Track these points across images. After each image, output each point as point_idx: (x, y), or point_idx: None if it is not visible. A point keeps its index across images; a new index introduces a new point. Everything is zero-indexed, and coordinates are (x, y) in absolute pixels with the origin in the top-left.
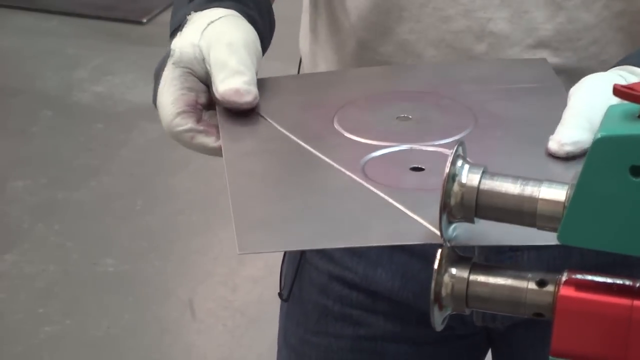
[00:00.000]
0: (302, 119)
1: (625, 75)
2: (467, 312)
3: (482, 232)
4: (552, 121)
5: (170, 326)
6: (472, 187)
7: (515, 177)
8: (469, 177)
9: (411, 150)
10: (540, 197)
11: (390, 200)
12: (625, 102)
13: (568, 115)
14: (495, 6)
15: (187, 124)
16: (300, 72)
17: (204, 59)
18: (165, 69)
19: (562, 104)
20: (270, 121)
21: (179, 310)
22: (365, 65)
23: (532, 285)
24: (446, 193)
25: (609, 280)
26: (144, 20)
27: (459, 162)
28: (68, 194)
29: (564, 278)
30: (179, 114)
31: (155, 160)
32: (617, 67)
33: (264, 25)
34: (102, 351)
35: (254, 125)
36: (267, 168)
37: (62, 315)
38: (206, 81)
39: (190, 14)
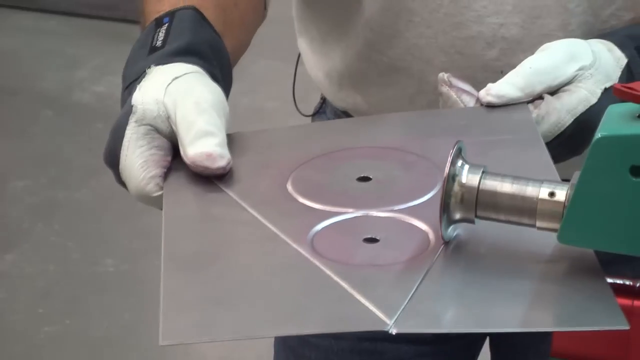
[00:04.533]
0: (253, 182)
1: (599, 49)
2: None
3: (435, 316)
4: None
5: None
6: (472, 187)
7: (516, 177)
8: (469, 177)
9: (367, 217)
10: (540, 197)
11: (336, 279)
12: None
13: (514, 70)
14: (508, 11)
15: (161, 189)
16: (298, 70)
17: (168, 117)
18: (128, 127)
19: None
20: (218, 184)
21: None
22: (372, 66)
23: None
24: (446, 193)
25: (610, 280)
26: None
27: (459, 162)
28: (68, 194)
29: None
30: (152, 178)
31: None
32: (599, 40)
33: (225, 87)
34: (102, 351)
35: (200, 187)
36: (208, 238)
37: (62, 315)
38: (171, 139)
39: (150, 67)
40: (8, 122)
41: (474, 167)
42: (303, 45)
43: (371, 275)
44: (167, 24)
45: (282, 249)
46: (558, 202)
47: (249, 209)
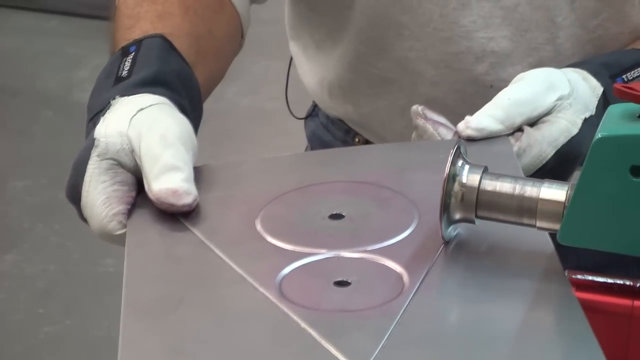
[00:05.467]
0: (220, 219)
1: (575, 78)
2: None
3: None
4: (505, 235)
5: None
6: (472, 187)
7: (516, 178)
8: (470, 177)
9: (338, 258)
10: (540, 197)
11: (304, 326)
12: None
13: (492, 102)
14: (497, 25)
15: (124, 227)
16: (291, 73)
17: (132, 151)
18: (90, 161)
19: None
20: (184, 221)
21: None
22: (362, 77)
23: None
24: (446, 193)
25: (610, 280)
26: None
27: (459, 162)
28: None
29: None
30: (115, 215)
31: None
32: (573, 69)
33: (194, 118)
34: (102, 351)
35: (165, 225)
36: (171, 282)
37: (63, 316)
38: (136, 173)
39: (115, 98)
40: (8, 122)
41: (474, 167)
42: (295, 49)
43: (341, 322)
44: (133, 53)
45: (248, 293)
46: (558, 202)
47: (215, 250)
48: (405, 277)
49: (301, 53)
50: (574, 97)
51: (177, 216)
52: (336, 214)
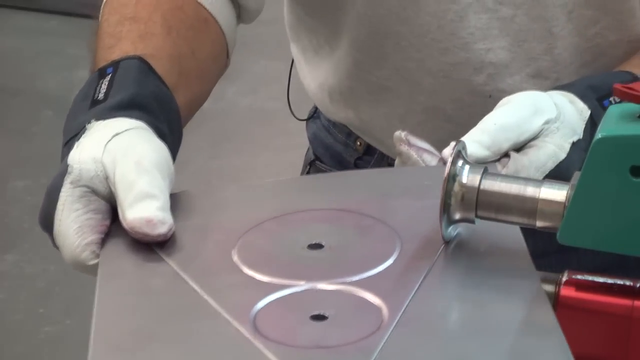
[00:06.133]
0: (196, 249)
1: (561, 102)
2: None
3: None
4: (489, 246)
5: None
6: (472, 187)
7: (516, 178)
8: (470, 177)
9: (316, 291)
10: (540, 197)
11: None
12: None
13: (478, 127)
14: (494, 36)
15: (97, 257)
16: (293, 74)
17: (107, 177)
18: (63, 188)
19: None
20: (159, 251)
21: None
22: (361, 84)
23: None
24: (446, 193)
25: (610, 280)
26: None
27: (460, 162)
28: None
29: (564, 278)
30: (88, 245)
31: None
32: (559, 92)
33: (173, 142)
34: None
35: (139, 255)
36: (143, 316)
37: (63, 315)
38: (110, 201)
39: (90, 122)
40: (8, 122)
41: (474, 167)
42: (295, 51)
43: (316, 359)
44: (110, 75)
45: (222, 328)
46: (558, 202)
47: (190, 282)
48: (385, 311)
49: (301, 56)
50: (561, 121)
51: (151, 246)
52: (315, 244)
